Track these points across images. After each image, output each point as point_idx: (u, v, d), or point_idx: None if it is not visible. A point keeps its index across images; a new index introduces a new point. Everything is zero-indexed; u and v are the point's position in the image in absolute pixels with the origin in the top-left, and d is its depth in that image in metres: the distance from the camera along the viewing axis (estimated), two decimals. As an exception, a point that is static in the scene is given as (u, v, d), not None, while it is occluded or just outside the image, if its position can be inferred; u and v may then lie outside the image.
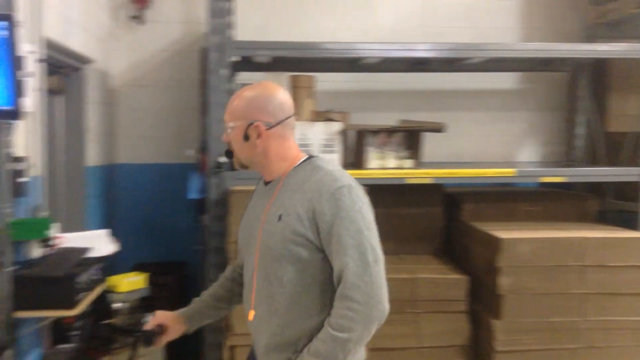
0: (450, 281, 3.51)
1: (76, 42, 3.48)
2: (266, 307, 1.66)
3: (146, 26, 4.36)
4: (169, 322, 1.87)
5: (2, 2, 2.49)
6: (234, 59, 3.48)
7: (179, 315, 1.89)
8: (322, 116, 3.71)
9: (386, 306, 1.58)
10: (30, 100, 2.70)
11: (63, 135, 3.63)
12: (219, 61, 3.42)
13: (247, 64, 3.73)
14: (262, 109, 1.66)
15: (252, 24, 4.27)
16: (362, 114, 4.24)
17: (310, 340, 1.58)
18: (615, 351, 3.44)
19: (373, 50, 3.68)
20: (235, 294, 1.93)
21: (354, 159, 3.82)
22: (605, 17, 4.45)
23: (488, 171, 3.69)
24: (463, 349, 3.49)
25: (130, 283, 3.28)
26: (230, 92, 3.52)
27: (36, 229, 2.63)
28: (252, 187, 3.28)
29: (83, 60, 3.65)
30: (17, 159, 2.64)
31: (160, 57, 4.44)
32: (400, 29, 4.55)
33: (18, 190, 2.63)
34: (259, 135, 1.65)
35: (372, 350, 3.26)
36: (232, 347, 3.25)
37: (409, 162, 3.70)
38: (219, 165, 3.41)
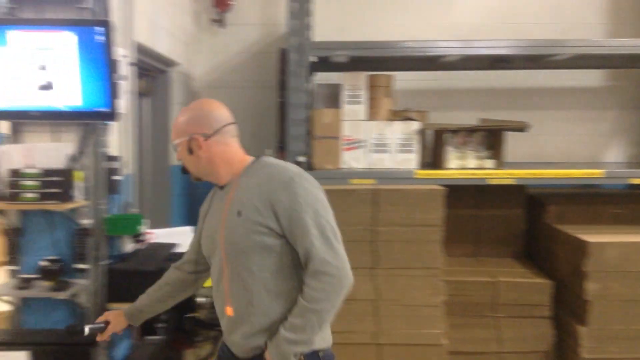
0: (533, 285, 3.40)
1: (163, 46, 3.61)
2: (242, 299, 1.74)
3: (226, 29, 4.47)
4: (112, 318, 2.04)
5: (98, 8, 2.62)
6: (311, 59, 3.51)
7: (121, 313, 2.06)
8: (399, 115, 3.68)
9: (351, 275, 1.68)
10: (123, 103, 2.83)
11: (150, 135, 3.78)
12: (298, 62, 3.46)
13: (325, 64, 3.75)
14: (198, 123, 1.78)
15: (330, 25, 4.28)
16: (440, 113, 4.17)
17: (282, 321, 1.68)
18: None
19: (454, 47, 3.61)
20: (171, 297, 2.07)
21: (432, 159, 3.77)
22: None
23: (574, 172, 3.54)
24: (546, 355, 3.37)
25: (212, 278, 3.37)
26: (309, 93, 3.56)
27: (129, 224, 2.76)
28: (330, 187, 3.36)
29: (169, 63, 3.79)
30: (112, 158, 2.77)
31: (239, 59, 4.55)
32: (481, 26, 4.44)
33: (112, 188, 2.76)
34: (199, 147, 1.77)
35: (452, 353, 3.25)
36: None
37: (490, 163, 3.61)
38: (298, 165, 3.44)
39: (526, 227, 3.92)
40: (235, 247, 1.72)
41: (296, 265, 1.71)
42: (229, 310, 1.78)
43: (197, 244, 1.97)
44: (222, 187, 1.83)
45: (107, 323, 2.02)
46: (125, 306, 2.72)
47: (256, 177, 1.74)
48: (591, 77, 4.54)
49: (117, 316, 2.04)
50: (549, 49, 3.65)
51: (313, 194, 1.70)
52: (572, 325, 3.30)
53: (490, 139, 3.67)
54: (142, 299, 2.08)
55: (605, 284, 3.21)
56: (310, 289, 1.63)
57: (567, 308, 3.42)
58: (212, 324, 3.43)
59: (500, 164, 3.63)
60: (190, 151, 1.77)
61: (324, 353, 1.76)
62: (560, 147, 4.51)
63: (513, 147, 3.88)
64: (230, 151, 1.81)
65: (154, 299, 2.07)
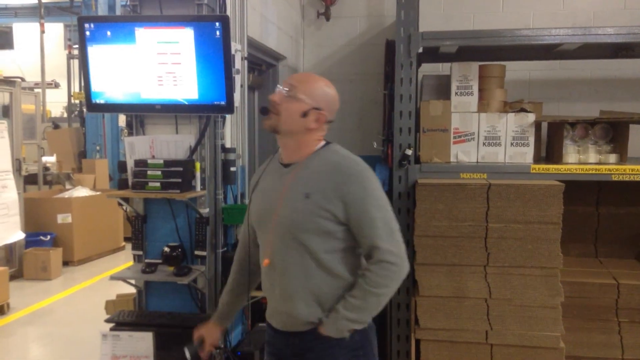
0: (661, 290, 3.15)
1: (271, 40, 3.67)
2: (296, 275, 1.83)
3: (332, 22, 4.49)
4: (204, 332, 2.08)
5: (214, 4, 2.70)
6: (419, 50, 3.43)
7: (211, 324, 2.11)
8: (513, 107, 3.52)
9: (408, 265, 1.81)
10: (237, 96, 2.90)
11: (259, 128, 3.86)
12: (406, 53, 3.39)
13: (432, 55, 3.66)
14: (330, 105, 1.88)
15: (436, 15, 4.19)
16: (556, 104, 3.97)
17: (333, 299, 1.81)
18: None
19: (572, 35, 3.39)
20: (248, 283, 2.11)
21: (547, 153, 3.58)
22: None
23: None
24: (676, 366, 3.12)
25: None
26: (416, 84, 3.49)
27: (244, 214, 2.81)
28: (439, 181, 3.28)
29: (277, 57, 3.86)
30: (227, 150, 2.85)
31: (344, 52, 4.55)
32: (599, 12, 4.18)
33: (228, 179, 2.85)
34: (317, 121, 1.83)
35: (569, 357, 3.08)
36: (418, 341, 3.22)
37: (613, 157, 3.37)
38: (405, 158, 3.38)
39: (652, 227, 3.64)
40: (298, 227, 1.79)
41: (350, 250, 1.84)
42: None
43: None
44: (285, 165, 1.89)
45: (201, 340, 2.07)
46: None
47: (324, 164, 1.83)
48: None
49: (209, 329, 2.10)
50: (677, 35, 3.35)
51: (379, 189, 1.83)
52: None
53: (613, 132, 3.43)
54: (223, 299, 2.14)
55: None
56: (374, 274, 1.76)
57: (700, 315, 3.14)
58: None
59: (624, 159, 3.39)
60: (305, 115, 1.82)
61: (368, 324, 1.88)
62: (691, 141, 4.14)
63: (636, 141, 3.61)
64: (319, 138, 1.90)
65: (233, 295, 2.13)
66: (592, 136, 3.43)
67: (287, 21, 4.13)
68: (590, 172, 3.23)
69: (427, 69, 4.00)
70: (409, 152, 3.39)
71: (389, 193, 3.56)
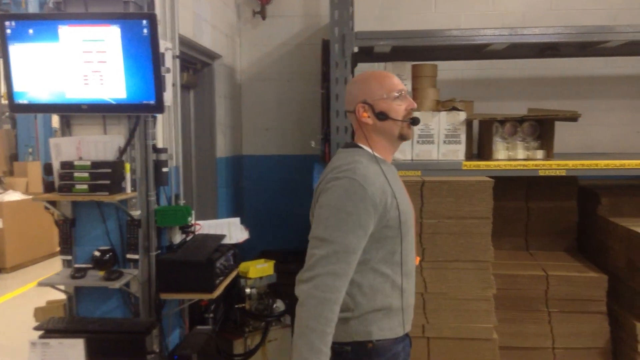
0: (587, 280, 3.29)
1: (206, 39, 3.62)
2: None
3: (268, 21, 4.47)
4: None
5: (142, 1, 2.64)
6: (354, 50, 3.45)
7: None
8: (445, 106, 3.60)
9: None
10: (169, 95, 2.85)
11: (194, 128, 3.80)
12: (340, 53, 3.41)
13: (367, 54, 3.70)
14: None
15: (371, 15, 4.24)
16: (486, 103, 4.08)
17: None
18: None
19: (500, 35, 3.49)
20: None
21: (479, 150, 3.68)
22: None
23: (629, 162, 3.39)
24: (602, 352, 3.26)
25: (259, 269, 3.38)
26: (351, 83, 3.52)
27: (178, 216, 2.78)
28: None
29: (212, 55, 3.80)
30: (159, 150, 2.79)
31: (282, 51, 4.53)
32: (527, 14, 4.33)
33: (160, 180, 2.78)
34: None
35: (502, 348, 3.17)
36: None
37: (540, 153, 3.50)
38: (344, 157, 3.40)
39: (578, 220, 3.80)
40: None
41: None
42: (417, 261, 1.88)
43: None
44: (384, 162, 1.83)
45: None
46: (178, 296, 2.76)
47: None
48: (645, 64, 4.36)
49: None
50: (599, 35, 3.49)
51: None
52: (630, 321, 3.17)
53: (540, 129, 3.56)
54: None
55: (664, 278, 3.09)
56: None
57: (624, 304, 3.30)
58: (260, 315, 3.45)
59: (551, 155, 3.52)
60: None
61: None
62: (613, 137, 4.36)
63: (563, 137, 3.77)
64: None
65: None
66: (521, 133, 3.55)
67: (222, 19, 4.08)
68: (519, 168, 3.34)
69: (364, 68, 4.03)
70: (346, 150, 3.41)
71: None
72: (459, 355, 3.13)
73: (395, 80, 1.84)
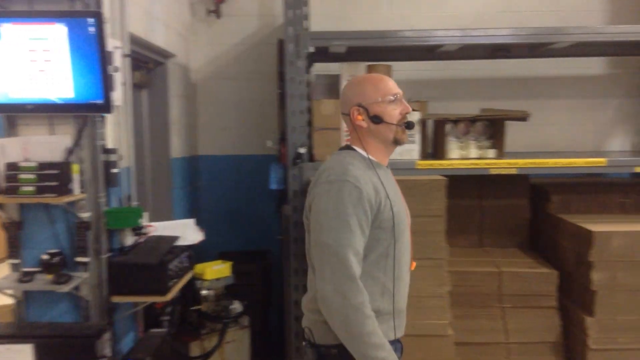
0: (539, 275, 3.37)
1: (159, 38, 3.57)
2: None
3: (223, 20, 4.43)
4: None
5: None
6: (309, 50, 3.46)
7: None
8: (400, 106, 3.64)
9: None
10: (119, 94, 2.80)
11: (148, 128, 3.74)
12: (295, 52, 3.41)
13: (323, 54, 3.70)
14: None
15: (327, 14, 4.24)
16: (440, 103, 4.13)
17: None
18: None
19: (452, 37, 3.54)
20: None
21: (433, 150, 3.73)
22: None
23: (577, 161, 3.49)
24: (554, 346, 3.34)
25: (215, 271, 3.35)
26: (308, 83, 3.52)
27: (129, 217, 2.73)
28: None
29: (165, 54, 3.75)
30: (109, 151, 2.74)
31: (237, 50, 4.50)
32: (480, 15, 4.41)
33: (110, 181, 2.73)
34: None
35: (458, 344, 3.22)
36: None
37: (492, 152, 3.57)
38: (298, 157, 3.40)
39: (530, 217, 3.89)
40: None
41: None
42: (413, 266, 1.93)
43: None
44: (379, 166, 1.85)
45: None
46: (130, 299, 2.71)
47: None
48: (593, 65, 4.49)
49: None
50: (548, 37, 3.58)
51: None
52: (579, 315, 3.27)
53: (492, 128, 3.64)
54: None
55: (612, 273, 3.17)
56: None
57: (574, 298, 3.40)
58: (217, 317, 3.42)
59: (502, 154, 3.60)
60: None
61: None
62: (562, 136, 4.48)
63: (515, 136, 3.85)
64: None
65: None
66: (474, 133, 3.61)
67: (175, 18, 4.03)
68: (471, 166, 3.40)
69: (320, 68, 4.04)
70: (302, 150, 3.41)
71: (285, 192, 3.58)
72: (415, 352, 3.16)
73: (390, 83, 1.84)
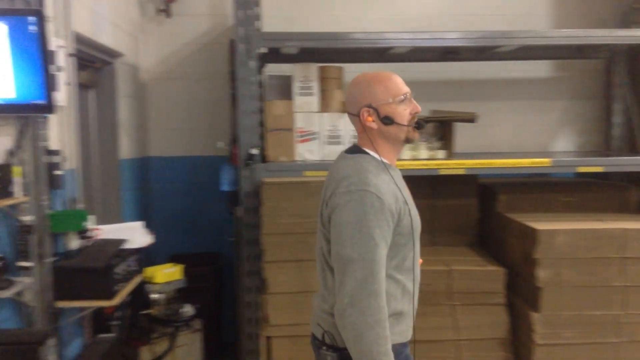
0: (487, 273, 3.44)
1: (106, 37, 3.49)
2: None
3: (174, 19, 4.36)
4: None
5: (32, -3, 2.50)
6: (261, 50, 3.45)
7: None
8: (352, 107, 3.66)
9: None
10: (63, 95, 2.72)
11: (96, 129, 3.65)
12: (246, 53, 3.40)
13: (275, 55, 3.69)
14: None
15: (279, 15, 4.23)
16: (392, 104, 4.17)
17: None
18: (658, 345, 3.34)
19: (402, 39, 3.61)
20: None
21: (386, 150, 3.76)
22: (642, 1, 4.32)
23: (523, 161, 3.60)
24: (502, 342, 3.43)
25: (166, 274, 3.30)
26: (260, 84, 3.50)
27: (74, 220, 2.66)
28: (284, 179, 3.31)
29: (113, 54, 3.66)
30: (52, 152, 2.66)
31: (189, 50, 4.44)
32: (429, 18, 4.48)
33: (54, 183, 2.65)
34: None
35: (409, 342, 3.25)
36: (269, 338, 3.23)
37: (441, 153, 3.64)
38: (250, 158, 3.39)
39: (479, 216, 3.98)
40: None
41: None
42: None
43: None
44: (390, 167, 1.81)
45: None
46: (76, 304, 2.63)
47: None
48: (538, 68, 4.63)
49: None
50: (495, 40, 3.68)
51: None
52: (526, 311, 3.36)
53: (441, 130, 3.71)
54: None
55: (556, 270, 3.27)
56: None
57: (521, 295, 3.49)
58: (168, 321, 3.36)
59: (451, 155, 3.67)
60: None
61: None
62: (509, 138, 4.60)
63: (465, 138, 3.94)
64: None
65: None
66: (424, 134, 3.68)
67: (123, 17, 3.94)
68: (421, 167, 3.46)
69: (273, 68, 4.03)
70: (255, 151, 3.40)
71: (236, 193, 3.55)
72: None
73: (399, 82, 1.82)
